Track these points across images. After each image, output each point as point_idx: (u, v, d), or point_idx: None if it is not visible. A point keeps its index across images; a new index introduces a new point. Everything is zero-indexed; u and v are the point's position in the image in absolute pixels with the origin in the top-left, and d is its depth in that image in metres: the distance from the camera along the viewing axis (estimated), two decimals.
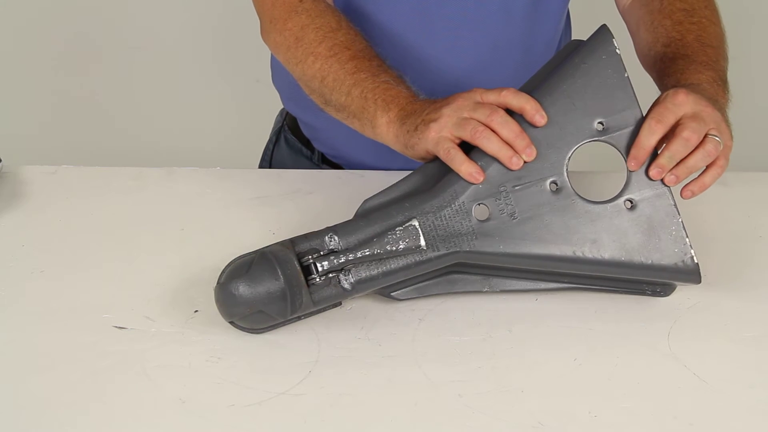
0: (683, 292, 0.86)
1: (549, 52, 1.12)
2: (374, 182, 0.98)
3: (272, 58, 1.20)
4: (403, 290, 0.83)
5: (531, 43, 1.08)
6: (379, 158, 1.08)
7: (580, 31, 1.14)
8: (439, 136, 0.82)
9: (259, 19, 1.04)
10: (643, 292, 0.86)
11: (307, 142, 1.19)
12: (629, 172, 0.83)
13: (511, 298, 0.85)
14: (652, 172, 0.82)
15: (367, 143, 0.95)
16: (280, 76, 1.19)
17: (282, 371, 0.76)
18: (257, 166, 1.29)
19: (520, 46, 1.07)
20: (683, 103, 0.83)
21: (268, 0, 1.01)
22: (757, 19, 2.12)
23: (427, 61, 1.04)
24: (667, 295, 0.86)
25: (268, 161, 1.26)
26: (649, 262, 0.82)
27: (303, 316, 0.80)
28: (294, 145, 1.21)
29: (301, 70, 0.97)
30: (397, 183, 0.84)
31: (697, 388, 0.76)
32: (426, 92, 0.92)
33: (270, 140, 1.27)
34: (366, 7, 1.04)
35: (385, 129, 0.88)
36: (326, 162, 1.18)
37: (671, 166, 0.82)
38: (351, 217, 0.83)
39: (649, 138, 0.82)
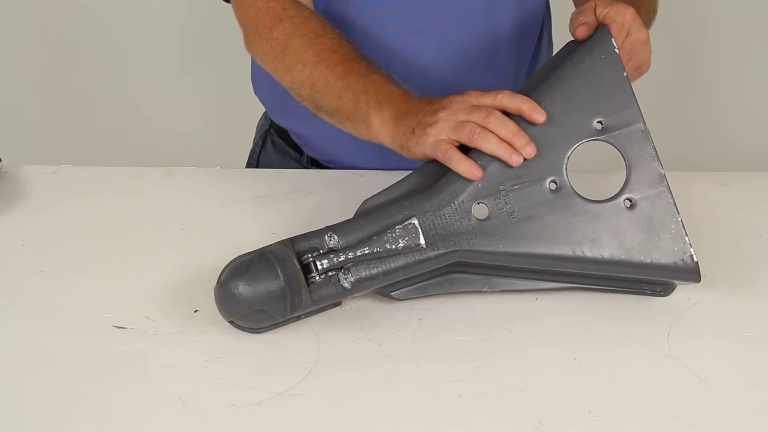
0: (683, 292, 0.86)
1: (532, 45, 1.12)
2: (374, 182, 0.97)
3: (253, 69, 1.18)
4: (402, 290, 0.83)
5: (516, 38, 1.08)
6: (369, 161, 1.08)
7: (557, 25, 1.15)
8: (436, 140, 0.82)
9: (242, 29, 1.02)
10: (643, 292, 0.86)
11: (295, 146, 1.18)
12: (628, 170, 0.83)
13: (510, 298, 0.85)
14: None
15: (355, 146, 0.94)
16: (262, 88, 1.18)
17: (282, 371, 0.76)
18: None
19: (507, 39, 1.07)
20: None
21: (251, 10, 0.99)
22: (757, 19, 2.12)
23: (412, 63, 1.04)
24: (667, 294, 0.86)
25: (255, 165, 1.24)
26: (649, 260, 0.82)
27: (303, 315, 0.80)
28: (281, 147, 1.20)
29: (290, 79, 0.96)
30: (396, 183, 0.84)
31: (697, 388, 0.76)
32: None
33: (256, 144, 1.25)
34: (347, 12, 1.03)
35: (379, 129, 0.88)
36: (315, 165, 1.17)
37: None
38: (351, 216, 0.83)
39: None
